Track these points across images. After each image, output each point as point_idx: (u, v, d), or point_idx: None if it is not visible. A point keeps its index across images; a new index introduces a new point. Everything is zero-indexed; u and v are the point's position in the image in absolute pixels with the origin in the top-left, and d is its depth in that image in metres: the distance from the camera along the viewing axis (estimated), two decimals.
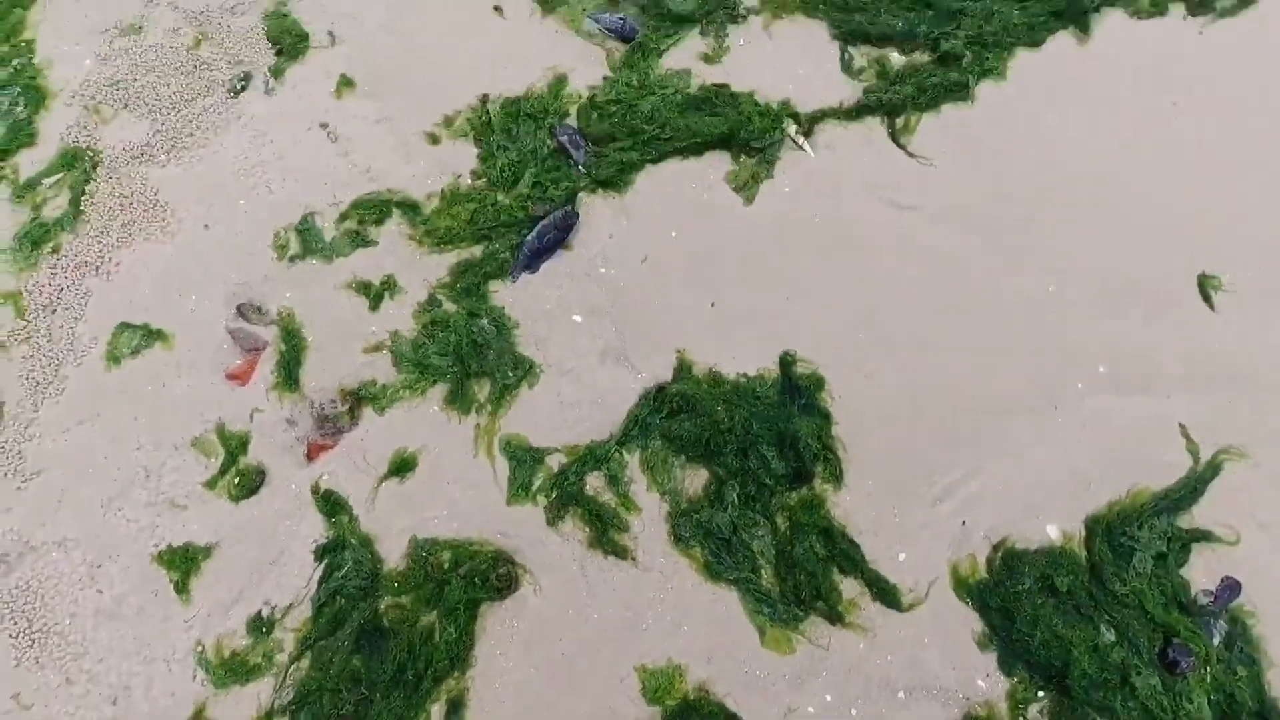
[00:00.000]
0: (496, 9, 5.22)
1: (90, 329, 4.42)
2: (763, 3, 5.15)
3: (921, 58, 4.95)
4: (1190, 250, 4.43)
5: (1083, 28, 5.00)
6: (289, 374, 4.26)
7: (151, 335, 4.38)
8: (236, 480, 4.07)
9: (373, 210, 4.64)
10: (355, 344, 4.34)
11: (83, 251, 4.60)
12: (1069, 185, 4.59)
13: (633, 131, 4.74)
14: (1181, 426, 4.06)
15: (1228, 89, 4.82)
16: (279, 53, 5.13)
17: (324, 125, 4.90)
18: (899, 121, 4.77)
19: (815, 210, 4.56)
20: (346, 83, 5.03)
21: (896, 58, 4.95)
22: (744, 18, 5.12)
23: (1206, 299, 4.32)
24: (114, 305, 4.47)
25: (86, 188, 4.76)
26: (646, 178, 4.68)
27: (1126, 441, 4.04)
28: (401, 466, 4.06)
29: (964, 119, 4.79)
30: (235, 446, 4.12)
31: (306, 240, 4.59)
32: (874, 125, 4.79)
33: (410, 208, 4.65)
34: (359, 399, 4.22)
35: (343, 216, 4.64)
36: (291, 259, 4.55)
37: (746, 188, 4.61)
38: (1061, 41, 5.00)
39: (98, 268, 4.57)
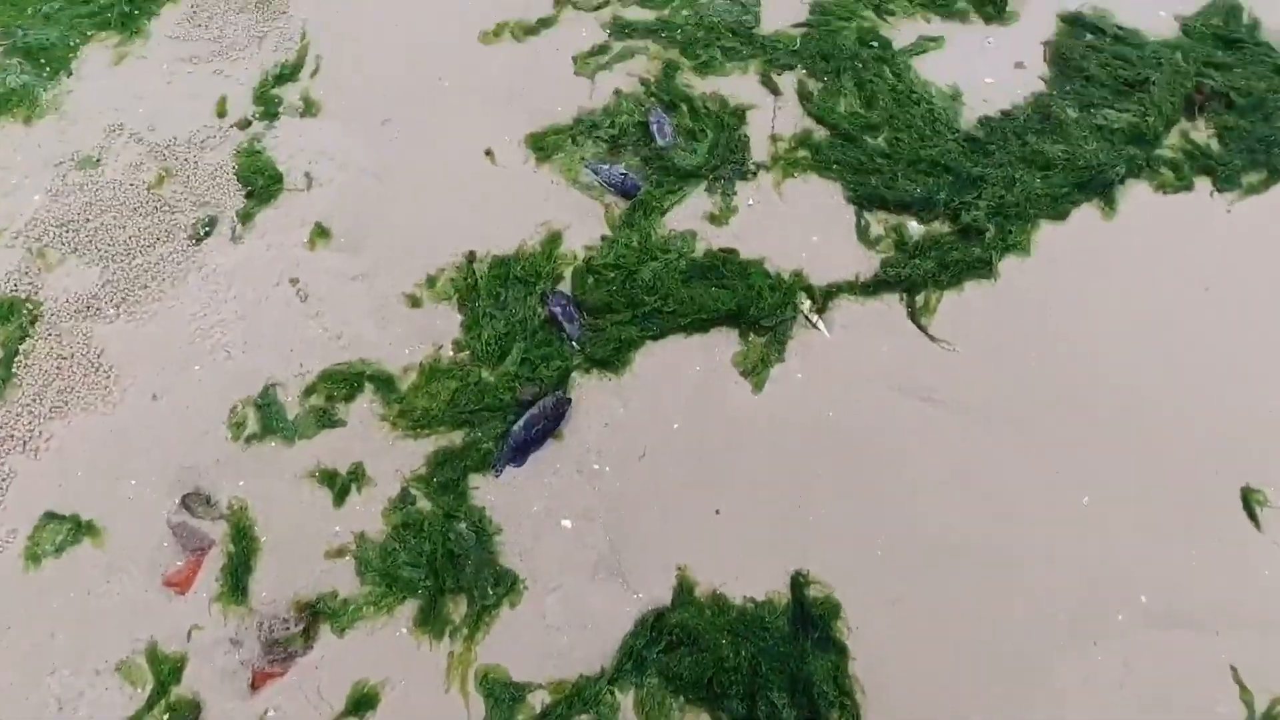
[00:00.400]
0: (488, 153, 4.87)
1: (9, 518, 3.88)
2: (773, 159, 4.85)
3: (941, 227, 4.66)
4: (1232, 459, 4.09)
5: (1108, 201, 4.74)
6: (237, 582, 3.74)
7: (81, 529, 3.85)
8: (166, 716, 3.52)
9: (343, 384, 4.19)
10: (315, 547, 3.84)
11: (9, 423, 4.08)
12: (1100, 379, 4.26)
13: (632, 302, 4.36)
14: (1233, 670, 3.67)
15: (1261, 273, 4.56)
16: (249, 195, 4.72)
17: (294, 281, 4.47)
18: (919, 299, 4.44)
19: (830, 401, 4.19)
20: (321, 232, 4.61)
21: (915, 227, 4.65)
22: (753, 174, 4.81)
23: (1252, 517, 3.98)
24: (40, 490, 3.95)
25: (21, 346, 4.27)
26: (646, 356, 4.29)
27: (1174, 686, 3.64)
28: (361, 703, 3.53)
29: (988, 299, 4.47)
30: (167, 673, 3.57)
31: (266, 418, 4.11)
32: (892, 302, 4.46)
33: (385, 382, 4.20)
34: (315, 615, 3.71)
35: (309, 390, 4.18)
36: (248, 440, 4.07)
37: (755, 372, 4.23)
38: (1087, 214, 4.73)
39: (25, 443, 4.05)
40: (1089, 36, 5.31)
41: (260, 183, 4.73)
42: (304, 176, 4.78)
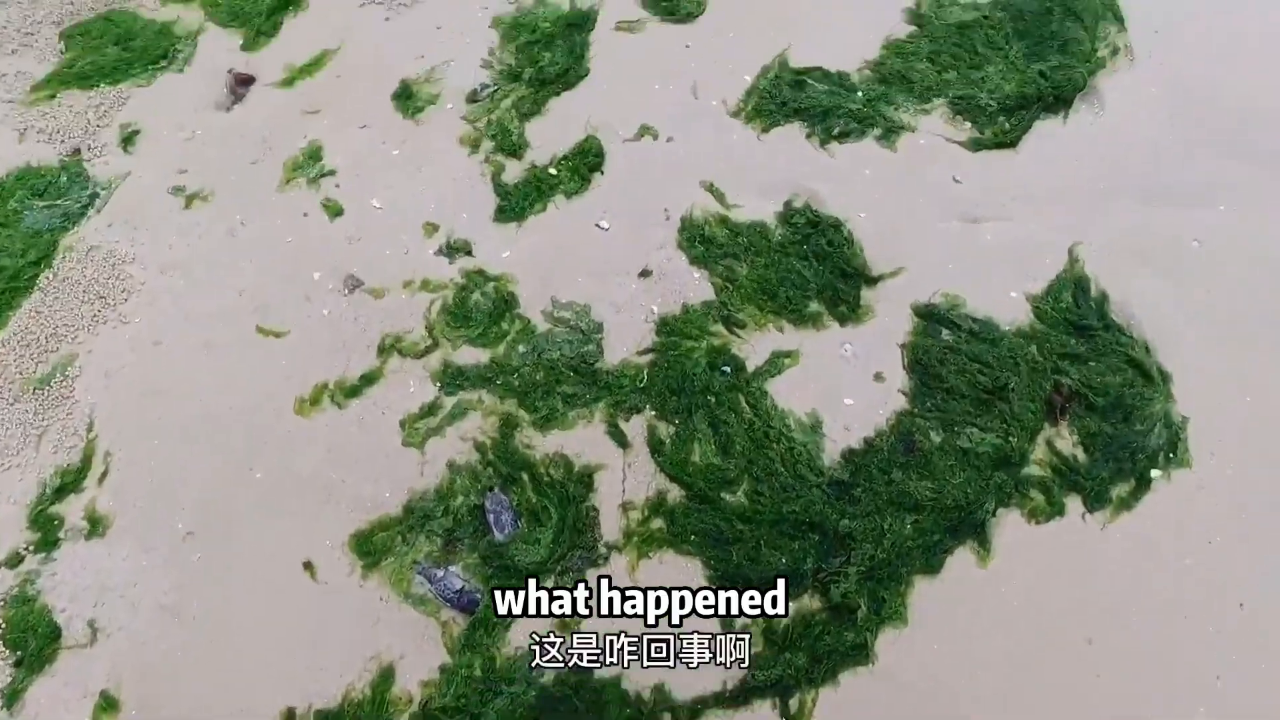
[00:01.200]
0: (307, 567, 4.32)
1: None
2: (625, 536, 4.45)
3: (811, 603, 4.32)
4: None
5: (982, 542, 4.49)
6: None
7: None
8: None
9: None
10: None
11: None
12: None
13: None
14: None
15: (1141, 616, 4.32)
16: (18, 664, 4.04)
17: None
18: (793, 704, 4.07)
19: None
20: (107, 705, 3.96)
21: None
22: (605, 558, 4.39)
23: None
24: None
25: None
26: None
27: None
28: None
29: (866, 691, 4.11)
30: None
31: None
32: (765, 711, 4.07)
33: None
34: None
35: None
36: None
37: None
38: (961, 561, 4.47)
39: None
40: (944, 333, 5.13)
41: (32, 645, 4.06)
42: (87, 627, 4.13)
